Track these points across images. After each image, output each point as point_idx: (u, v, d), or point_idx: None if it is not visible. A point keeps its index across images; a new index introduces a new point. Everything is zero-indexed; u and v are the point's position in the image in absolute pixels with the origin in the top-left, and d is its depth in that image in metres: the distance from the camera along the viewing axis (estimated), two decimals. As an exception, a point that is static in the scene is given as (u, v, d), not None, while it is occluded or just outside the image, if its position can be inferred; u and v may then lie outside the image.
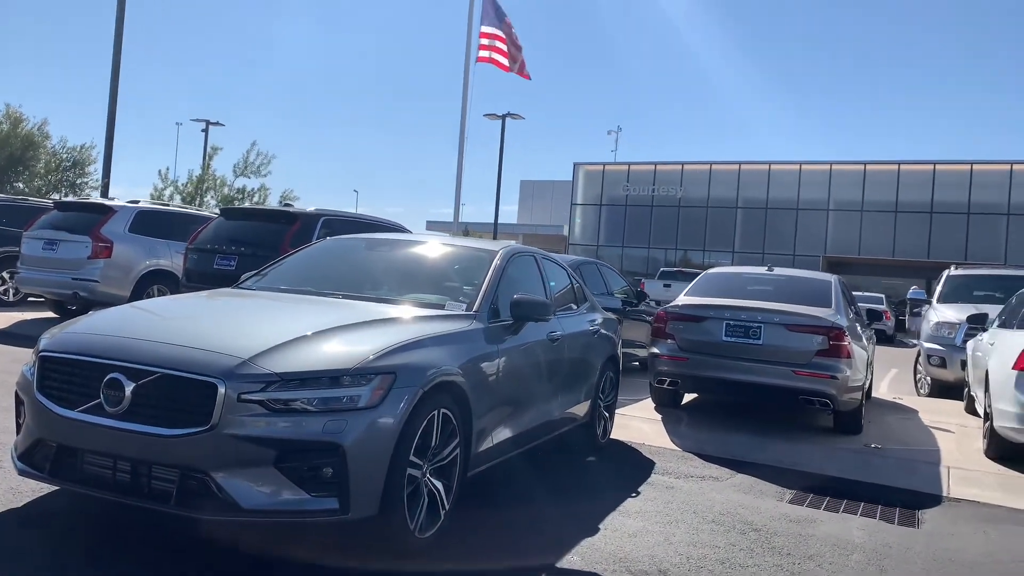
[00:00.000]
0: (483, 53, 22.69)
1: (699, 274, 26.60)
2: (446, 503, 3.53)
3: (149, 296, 11.05)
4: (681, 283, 26.59)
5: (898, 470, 6.04)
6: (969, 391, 8.96)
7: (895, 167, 37.54)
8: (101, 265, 10.60)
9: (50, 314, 11.82)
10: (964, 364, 9.95)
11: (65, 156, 20.50)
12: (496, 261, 4.61)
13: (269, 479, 2.93)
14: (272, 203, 22.97)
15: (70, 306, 11.88)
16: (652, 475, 5.35)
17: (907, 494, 5.39)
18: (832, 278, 7.94)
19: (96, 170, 19.79)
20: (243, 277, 4.92)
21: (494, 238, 35.49)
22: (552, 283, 5.37)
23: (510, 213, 51.87)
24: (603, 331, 5.93)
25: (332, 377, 3.07)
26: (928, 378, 11.05)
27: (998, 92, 74.02)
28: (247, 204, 22.26)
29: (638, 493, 4.83)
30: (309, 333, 3.31)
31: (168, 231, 11.57)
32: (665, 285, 26.69)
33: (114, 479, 3.05)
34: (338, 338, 3.35)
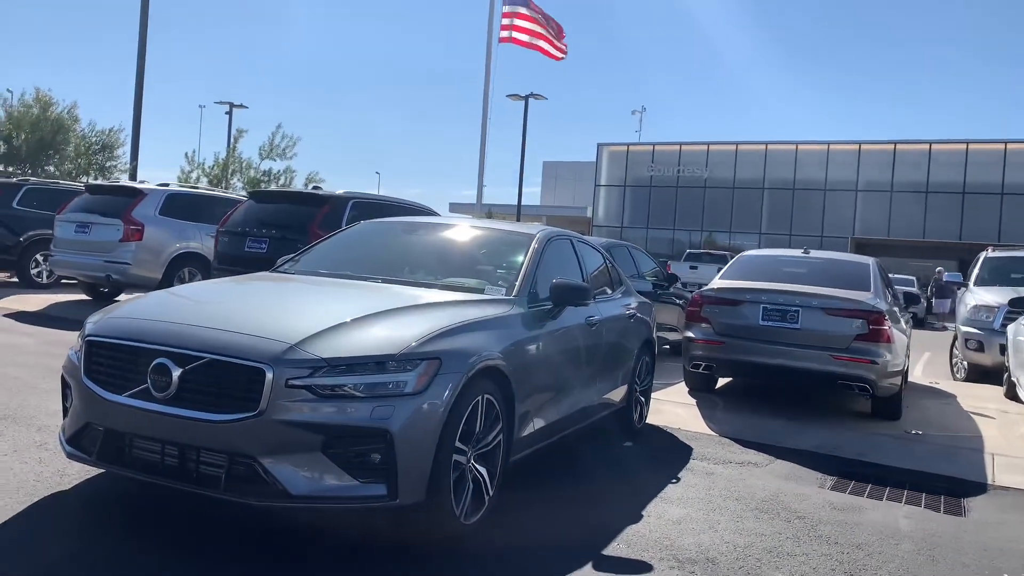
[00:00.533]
0: (504, 33, 22.51)
1: (725, 256, 26.34)
2: (490, 489, 3.50)
3: (180, 279, 11.15)
4: (708, 265, 26.38)
5: (940, 457, 5.93)
6: (1010, 376, 8.78)
7: (926, 146, 36.79)
8: (133, 248, 10.67)
9: (83, 296, 11.96)
10: (1003, 348, 9.77)
11: (94, 139, 20.67)
12: (534, 245, 4.56)
13: (317, 465, 2.91)
14: (298, 185, 23.05)
15: (102, 288, 12.01)
16: (691, 460, 5.30)
17: (950, 481, 5.29)
18: (870, 261, 7.79)
19: (124, 153, 20.01)
20: (279, 261, 4.91)
21: (518, 220, 35.40)
22: (588, 267, 5.31)
23: (532, 195, 51.74)
24: (639, 315, 5.86)
25: (378, 362, 3.05)
26: (965, 362, 10.85)
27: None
28: (273, 187, 22.36)
29: (678, 479, 4.78)
30: (353, 318, 3.28)
31: (197, 214, 11.64)
32: (692, 267, 26.46)
33: (162, 464, 3.05)
34: (382, 323, 3.32)
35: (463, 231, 5.00)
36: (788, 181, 39.07)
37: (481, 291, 4.14)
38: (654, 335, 6.26)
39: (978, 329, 10.42)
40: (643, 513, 4.02)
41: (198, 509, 3.47)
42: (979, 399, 8.65)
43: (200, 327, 3.15)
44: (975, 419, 7.45)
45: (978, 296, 10.89)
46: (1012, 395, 8.66)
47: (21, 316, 9.85)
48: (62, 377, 3.54)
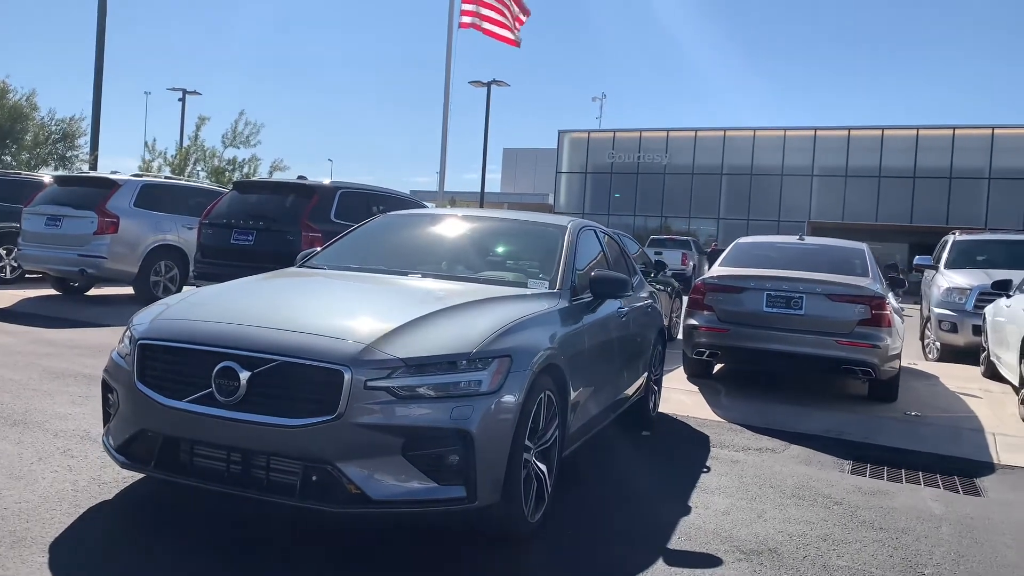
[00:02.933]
0: (465, 19, 22.31)
1: (688, 241, 26.56)
2: (549, 486, 3.47)
3: (157, 273, 10.84)
4: (671, 250, 26.67)
5: (944, 438, 6.09)
6: (988, 356, 9.06)
7: (879, 132, 37.70)
8: (108, 241, 10.34)
9: (52, 291, 11.55)
10: (976, 329, 10.08)
11: (54, 128, 19.84)
12: (567, 236, 4.52)
13: (397, 468, 2.84)
14: (262, 173, 22.57)
15: (73, 283, 11.62)
16: (712, 449, 5.34)
17: (960, 462, 5.43)
18: (864, 246, 7.95)
19: (85, 143, 19.26)
20: (302, 256, 4.77)
21: (480, 207, 35.25)
22: (611, 257, 5.29)
23: (492, 182, 51.51)
24: (654, 304, 5.88)
25: (453, 361, 2.98)
26: (938, 343, 11.15)
27: (980, 57, 74.60)
28: (237, 175, 21.84)
29: (708, 468, 4.81)
30: (418, 316, 3.20)
31: (173, 205, 11.32)
32: (656, 252, 26.69)
33: (228, 472, 2.94)
34: (446, 321, 3.25)
35: (492, 223, 4.93)
36: (746, 167, 39.66)
37: (524, 285, 4.08)
38: (664, 323, 6.29)
39: (951, 311, 10.72)
40: (689, 504, 4.04)
41: (248, 513, 3.36)
42: (960, 379, 8.91)
43: (267, 328, 3.04)
44: (964, 399, 7.67)
45: (949, 278, 11.19)
46: (991, 374, 8.95)
47: (-8, 314, 9.45)
48: (103, 382, 3.39)
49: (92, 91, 16.27)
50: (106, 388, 3.37)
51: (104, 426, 3.40)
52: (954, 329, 10.65)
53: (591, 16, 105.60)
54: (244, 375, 2.88)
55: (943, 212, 36.04)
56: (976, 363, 9.83)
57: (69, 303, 10.72)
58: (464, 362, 3.00)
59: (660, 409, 6.36)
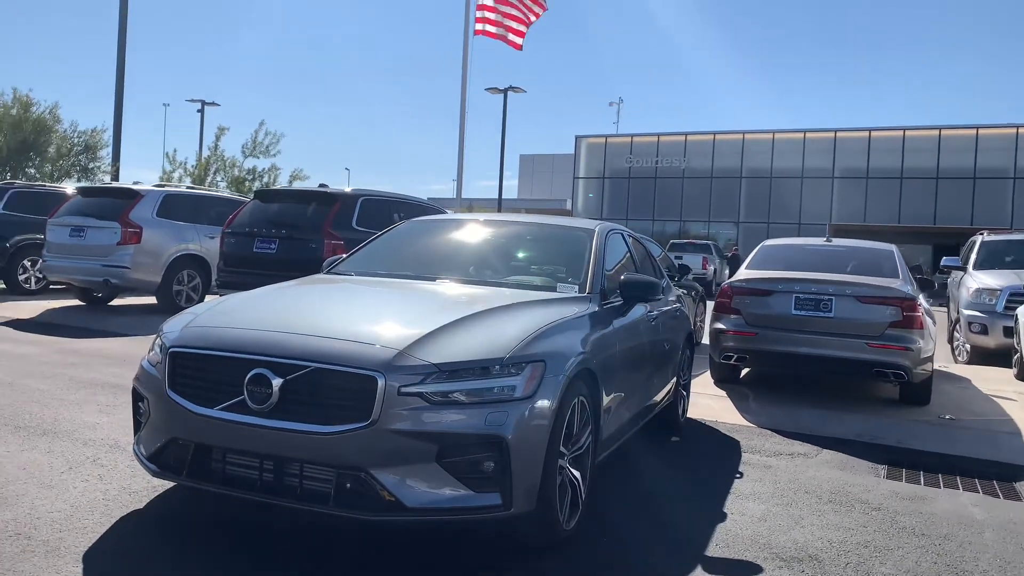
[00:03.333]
0: (479, 26, 22.37)
1: (708, 245, 26.42)
2: (583, 492, 3.41)
3: (180, 282, 10.90)
4: (692, 255, 26.48)
5: (980, 441, 5.96)
6: (1021, 358, 8.89)
7: (900, 133, 37.29)
8: (131, 251, 10.41)
9: (76, 302, 11.65)
10: (1007, 331, 9.91)
11: (77, 140, 20.06)
12: (596, 240, 4.47)
13: (432, 476, 2.79)
14: (282, 183, 22.70)
15: (97, 293, 11.71)
16: (744, 454, 5.26)
17: (997, 466, 5.30)
18: (893, 248, 7.83)
19: (107, 154, 19.38)
20: (328, 262, 4.75)
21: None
22: (638, 260, 5.23)
23: (509, 188, 51.57)
24: (682, 308, 5.81)
25: (486, 367, 2.93)
26: (967, 345, 10.96)
27: (1002, 57, 73.82)
28: (257, 185, 21.97)
29: (741, 474, 4.73)
30: (450, 321, 3.16)
31: (195, 215, 11.39)
32: (677, 257, 26.55)
33: (260, 480, 2.91)
34: (478, 325, 3.21)
35: (517, 227, 4.89)
36: (765, 170, 39.38)
37: (553, 289, 4.03)
38: (692, 328, 6.21)
39: (981, 312, 10.54)
40: (725, 510, 3.96)
41: (280, 521, 3.33)
42: (992, 382, 8.74)
43: (299, 335, 3.01)
44: (997, 402, 7.51)
45: (979, 280, 11.01)
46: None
47: (18, 324, 9.54)
48: (133, 390, 3.38)
49: (113, 103, 16.46)
50: (136, 397, 3.35)
51: (135, 435, 3.38)
52: (984, 331, 10.47)
53: (607, 21, 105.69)
54: (276, 382, 2.85)
55: (967, 213, 35.58)
56: (1007, 365, 9.65)
57: (93, 313, 10.79)
58: (497, 367, 2.95)
59: (688, 414, 6.28)
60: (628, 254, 5.05)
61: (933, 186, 36.38)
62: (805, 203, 38.48)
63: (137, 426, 3.37)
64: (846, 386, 7.83)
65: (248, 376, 2.88)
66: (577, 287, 4.06)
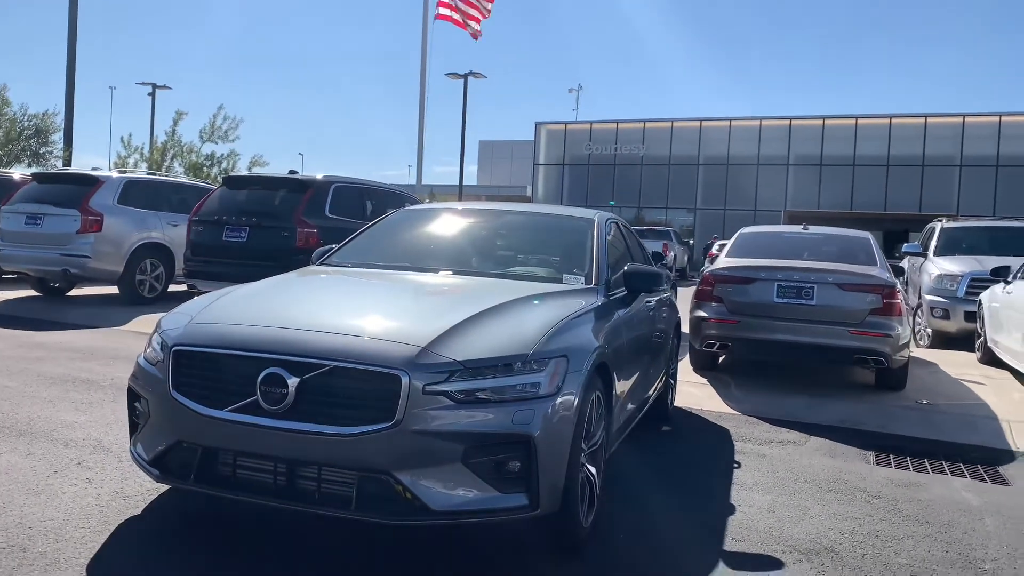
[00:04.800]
0: (441, 10, 22.07)
1: (669, 231, 26.56)
2: (597, 488, 3.35)
3: (143, 271, 10.54)
4: (652, 241, 26.65)
5: (959, 426, 6.08)
6: (985, 342, 9.11)
7: (853, 121, 38.00)
8: (92, 239, 10.02)
9: (32, 292, 11.20)
10: (968, 316, 10.16)
11: (27, 124, 19.18)
12: (597, 230, 4.40)
13: (457, 477, 2.70)
14: (241, 169, 22.16)
15: (53, 284, 11.26)
16: (735, 443, 5.27)
17: (978, 450, 5.42)
18: (868, 235, 7.93)
19: (59, 139, 18.65)
20: (319, 253, 4.58)
21: (459, 199, 35.02)
22: (633, 249, 5.19)
23: (468, 174, 51.27)
24: (672, 297, 5.79)
25: (509, 363, 2.84)
26: (929, 329, 11.22)
27: (950, 48, 75.79)
28: (215, 171, 21.41)
29: (739, 464, 4.74)
30: (468, 316, 3.05)
31: (157, 202, 11.02)
32: (638, 243, 26.68)
33: (275, 484, 2.78)
34: (496, 320, 3.11)
35: (515, 217, 4.79)
36: (722, 157, 39.79)
37: (558, 280, 3.96)
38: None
39: (943, 297, 10.79)
40: (732, 502, 3.95)
41: (288, 524, 3.21)
42: (958, 366, 8.94)
43: (314, 331, 2.87)
44: (968, 386, 7.68)
45: (940, 265, 11.26)
46: (988, 360, 9.00)
47: (-28, 317, 9.12)
48: (129, 389, 3.21)
49: (65, 86, 15.83)
50: (133, 396, 3.18)
51: (131, 437, 3.21)
52: (946, 316, 10.71)
53: (567, 7, 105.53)
54: (292, 382, 2.72)
55: (916, 200, 36.49)
56: (967, 348, 9.89)
57: (52, 304, 10.39)
58: (520, 364, 2.86)
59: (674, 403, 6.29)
60: (624, 243, 4.99)
61: (884, 173, 37.20)
62: (761, 190, 39.02)
63: (134, 428, 3.20)
64: (823, 372, 7.93)
65: (261, 376, 2.74)
66: (583, 278, 3.99)
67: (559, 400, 2.87)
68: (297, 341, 2.81)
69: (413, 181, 25.14)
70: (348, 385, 2.73)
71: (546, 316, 3.21)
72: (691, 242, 35.93)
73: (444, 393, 2.71)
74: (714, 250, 25.12)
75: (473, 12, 22.07)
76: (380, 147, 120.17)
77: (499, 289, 3.62)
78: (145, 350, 3.21)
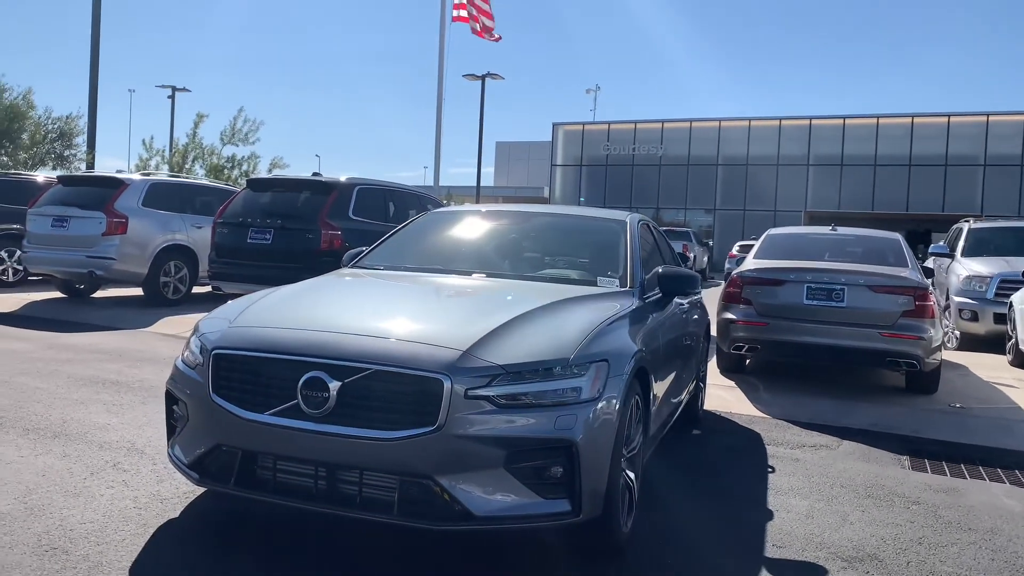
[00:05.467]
0: (457, 12, 22.10)
1: (688, 232, 26.46)
2: (635, 493, 3.32)
3: (167, 273, 10.61)
4: (673, 241, 26.57)
5: (993, 430, 5.98)
6: (1017, 344, 8.97)
7: (874, 121, 37.63)
8: (117, 242, 10.09)
9: (58, 294, 11.29)
10: (1000, 318, 10.01)
11: (51, 127, 19.38)
12: (630, 232, 4.36)
13: (500, 482, 2.67)
14: (261, 171, 22.27)
15: (79, 285, 11.36)
16: (767, 447, 5.21)
17: (1015, 455, 5.33)
18: (898, 236, 7.83)
19: (82, 142, 18.76)
20: (351, 256, 4.57)
21: (477, 202, 35.04)
22: (664, 251, 5.14)
23: (485, 175, 51.32)
24: (701, 299, 5.74)
25: (550, 368, 2.81)
26: (957, 332, 11.08)
27: (974, 48, 74.95)
28: (236, 173, 21.53)
29: (773, 468, 4.68)
30: (507, 319, 3.03)
31: (181, 204, 11.08)
32: (657, 245, 26.58)
33: (315, 488, 2.77)
34: (534, 324, 3.08)
35: (546, 219, 4.77)
36: (741, 157, 39.55)
37: (592, 283, 3.92)
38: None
39: (972, 299, 10.64)
40: (769, 508, 3.90)
41: (325, 527, 3.19)
42: (989, 368, 8.81)
43: (355, 335, 2.86)
44: (1000, 389, 7.56)
45: (968, 267, 11.11)
46: (1020, 363, 8.87)
47: (1, 318, 9.21)
48: (167, 392, 3.20)
49: (88, 90, 15.95)
50: (171, 400, 3.18)
51: (169, 440, 3.21)
52: (975, 318, 10.57)
53: (584, 8, 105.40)
54: (333, 385, 2.70)
55: (939, 200, 36.09)
56: (996, 351, 9.76)
57: (77, 306, 10.47)
58: (560, 368, 2.83)
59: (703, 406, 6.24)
60: (655, 245, 4.95)
61: (906, 173, 36.81)
62: (780, 190, 38.74)
63: (171, 431, 3.20)
64: (851, 375, 7.84)
65: (303, 379, 2.73)
66: (617, 281, 3.95)
67: (600, 405, 2.83)
68: (338, 345, 2.80)
69: (427, 182, 25.22)
70: (389, 389, 2.71)
71: (585, 320, 3.17)
72: (710, 243, 35.75)
73: (486, 398, 2.68)
74: (734, 251, 24.99)
75: (487, 22, 22.11)
76: (395, 148, 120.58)
77: (534, 292, 3.59)
78: (183, 353, 3.21)
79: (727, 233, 38.27)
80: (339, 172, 10.43)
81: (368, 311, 3.29)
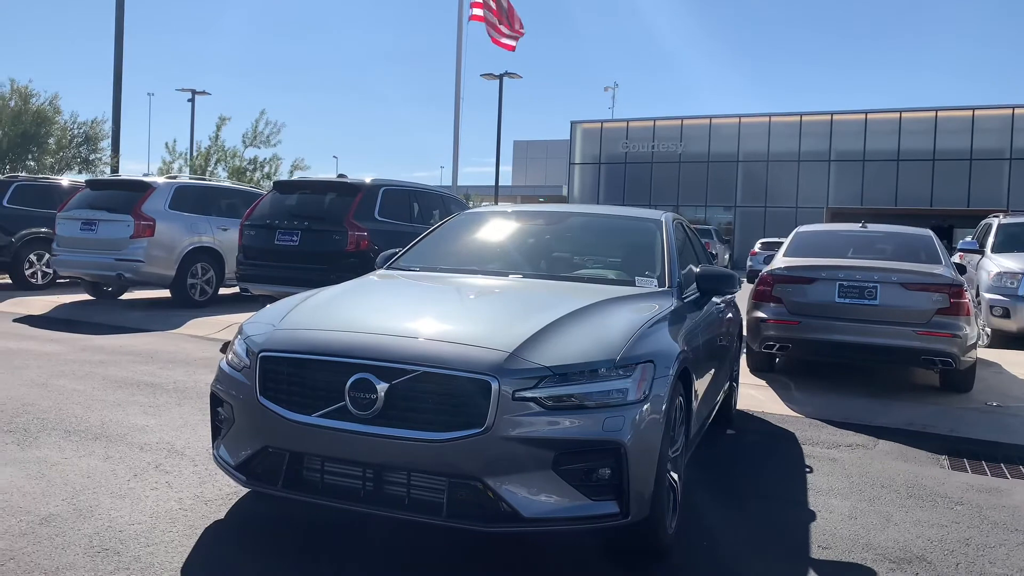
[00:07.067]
0: (474, 11, 22.10)
1: (710, 230, 26.29)
2: (679, 494, 3.30)
3: (193, 275, 10.69)
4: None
5: (1032, 429, 5.89)
6: (1051, 342, 8.85)
7: (897, 115, 37.22)
8: (145, 244, 10.19)
9: (86, 296, 11.42)
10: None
11: (77, 132, 19.64)
12: (665, 231, 4.33)
13: (548, 484, 2.66)
14: (283, 172, 22.44)
15: (107, 288, 11.49)
16: (803, 447, 5.17)
17: (1058, 455, 5.24)
18: (930, 232, 7.74)
19: (107, 146, 18.96)
20: (385, 257, 4.57)
21: (495, 201, 35.07)
22: (697, 249, 5.11)
23: (503, 174, 51.34)
24: (735, 299, 5.70)
25: (595, 369, 2.80)
26: (988, 329, 10.92)
27: (998, 39, 73.94)
28: (258, 175, 21.69)
29: (811, 468, 4.64)
30: (551, 320, 3.02)
31: (207, 207, 11.17)
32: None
33: (363, 490, 2.77)
34: (578, 325, 3.07)
35: (579, 219, 4.75)
36: (762, 153, 39.26)
37: (631, 283, 3.90)
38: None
39: (1003, 296, 10.49)
40: (811, 508, 3.86)
41: (370, 528, 3.20)
42: (1022, 366, 8.69)
43: (401, 337, 2.87)
44: (1036, 387, 7.45)
45: (999, 263, 10.95)
46: (1054, 361, 8.73)
47: (32, 321, 9.35)
48: (212, 395, 3.22)
49: (112, 94, 16.14)
50: (216, 402, 3.20)
51: (214, 441, 3.23)
52: (1007, 315, 10.42)
53: (601, 5, 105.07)
54: (381, 387, 2.71)
55: (963, 195, 35.64)
56: (1027, 348, 9.62)
57: (106, 308, 10.59)
58: (606, 369, 2.82)
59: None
60: (690, 244, 4.92)
61: (930, 168, 36.38)
62: (802, 187, 38.42)
63: (216, 432, 3.22)
64: (883, 373, 7.76)
65: (350, 381, 2.74)
66: (656, 281, 3.93)
67: (647, 406, 2.82)
68: (386, 346, 2.80)
69: (444, 182, 25.22)
70: (437, 391, 2.71)
71: (627, 320, 3.16)
72: (730, 240, 35.52)
73: (533, 399, 2.68)
74: (756, 248, 24.80)
75: (506, 33, 22.09)
76: (411, 149, 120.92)
77: (574, 292, 3.58)
78: (227, 355, 3.23)
79: (748, 231, 38.03)
80: (356, 173, 10.44)
81: (412, 313, 3.29)
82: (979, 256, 11.94)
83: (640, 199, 40.70)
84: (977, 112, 35.80)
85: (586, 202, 42.22)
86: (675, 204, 40.34)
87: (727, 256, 29.88)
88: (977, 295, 11.25)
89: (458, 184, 24.46)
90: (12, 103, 17.97)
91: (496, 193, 36.36)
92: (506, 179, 49.94)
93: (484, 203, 28.63)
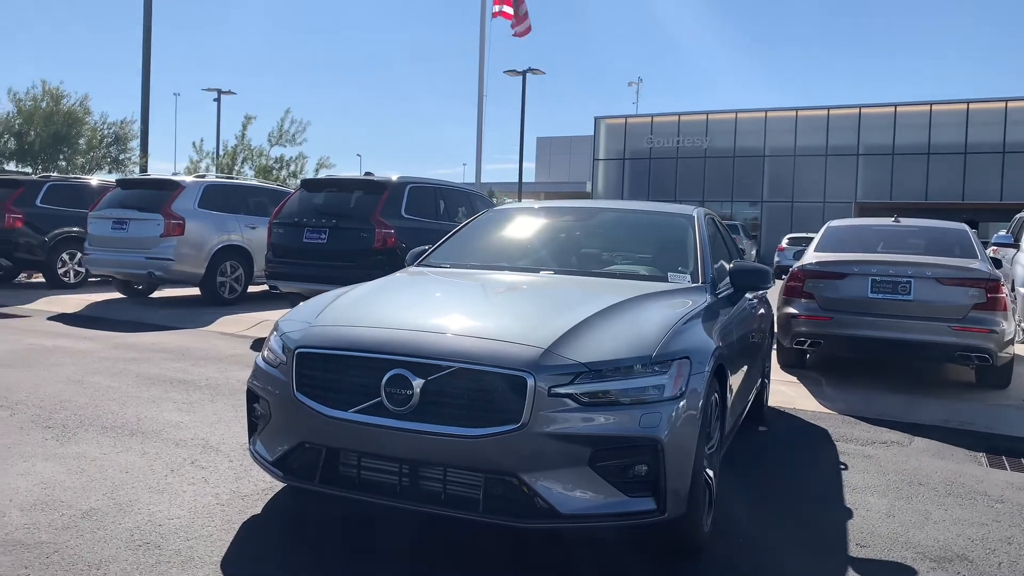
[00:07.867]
0: (497, 8, 22.10)
1: (736, 225, 26.03)
2: (714, 490, 3.27)
3: (223, 273, 10.81)
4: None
5: (1073, 426, 5.78)
6: (1090, 338, 8.67)
7: (927, 108, 36.61)
8: (175, 243, 10.31)
9: (117, 295, 11.58)
10: (1068, 310, 9.66)
11: (107, 132, 19.96)
12: (698, 226, 4.30)
13: (584, 480, 2.66)
14: (309, 171, 22.61)
15: (137, 286, 11.65)
16: (837, 443, 5.11)
17: (1099, 452, 5.14)
18: (964, 227, 7.60)
19: (136, 146, 19.27)
20: (415, 254, 4.58)
21: (519, 198, 35.04)
22: (729, 245, 5.07)
23: (526, 171, 51.26)
24: (766, 294, 5.64)
25: (631, 365, 2.78)
26: (1022, 324, 10.72)
27: None
28: (284, 173, 21.87)
29: (846, 466, 4.58)
30: (585, 317, 3.01)
31: (235, 205, 11.28)
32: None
33: (400, 485, 2.78)
34: (612, 321, 3.05)
35: (610, 214, 4.73)
36: (788, 148, 38.84)
37: (664, 279, 3.87)
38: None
39: (1039, 291, 10.29)
40: (848, 506, 3.82)
41: (405, 523, 3.21)
42: (1060, 363, 8.52)
43: (437, 333, 2.87)
44: (1076, 384, 7.31)
45: (1035, 257, 10.74)
46: (1093, 358, 8.55)
47: (66, 319, 9.50)
48: (249, 391, 3.25)
49: (140, 95, 16.33)
50: (252, 398, 3.23)
51: (250, 437, 3.26)
52: (1043, 310, 10.22)
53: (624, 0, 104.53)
54: (417, 383, 2.71)
55: (996, 188, 35.00)
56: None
57: (137, 306, 10.73)
58: (642, 366, 2.80)
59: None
60: (722, 239, 4.88)
61: (961, 161, 35.75)
62: (829, 181, 37.96)
63: (253, 428, 3.25)
64: (915, 369, 7.65)
65: (386, 377, 2.75)
66: (689, 276, 3.90)
67: (683, 402, 2.80)
68: (421, 343, 2.81)
69: (467, 179, 25.21)
70: (473, 387, 2.71)
71: (662, 316, 3.14)
72: (757, 236, 35.21)
73: (569, 395, 2.67)
74: (783, 244, 24.55)
75: (521, 17, 22.09)
76: (433, 145, 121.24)
77: (607, 289, 3.56)
78: (263, 352, 3.25)
79: (774, 226, 37.66)
80: (379, 170, 10.50)
81: (446, 309, 3.30)
82: (1014, 250, 11.72)
83: (665, 195, 40.47)
84: (1010, 104, 35.10)
85: (610, 198, 42.05)
86: (701, 199, 40.02)
87: (754, 252, 29.62)
88: (1012, 290, 11.06)
89: (481, 181, 24.50)
90: (44, 104, 18.33)
91: (520, 190, 36.34)
92: (529, 175, 49.88)
93: (507, 200, 28.64)
